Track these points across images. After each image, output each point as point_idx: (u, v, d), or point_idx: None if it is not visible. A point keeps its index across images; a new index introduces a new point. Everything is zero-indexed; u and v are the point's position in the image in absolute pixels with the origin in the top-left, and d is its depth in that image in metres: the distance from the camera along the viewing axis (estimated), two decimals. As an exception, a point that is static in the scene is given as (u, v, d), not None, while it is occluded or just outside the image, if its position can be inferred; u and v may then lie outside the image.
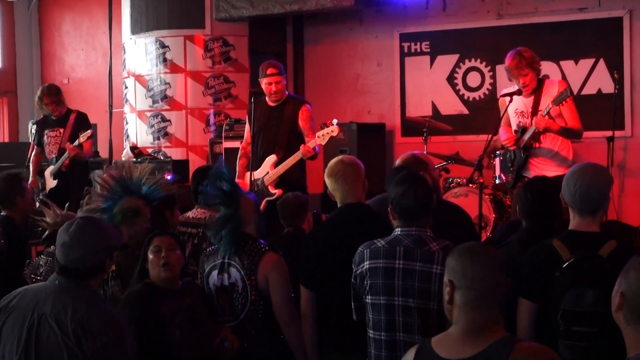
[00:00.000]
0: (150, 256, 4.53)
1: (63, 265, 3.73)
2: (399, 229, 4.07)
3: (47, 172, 9.35)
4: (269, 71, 7.73)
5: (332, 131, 7.38)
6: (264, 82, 7.76)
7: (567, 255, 3.77)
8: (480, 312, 2.90)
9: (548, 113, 6.85)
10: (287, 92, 7.88)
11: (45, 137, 9.35)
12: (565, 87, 6.91)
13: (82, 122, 9.47)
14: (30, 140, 9.92)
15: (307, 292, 4.63)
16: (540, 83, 7.11)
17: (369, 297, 4.07)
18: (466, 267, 2.94)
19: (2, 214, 6.39)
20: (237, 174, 7.76)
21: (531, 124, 7.00)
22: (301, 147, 7.45)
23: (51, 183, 9.29)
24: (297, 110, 7.68)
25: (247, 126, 8.01)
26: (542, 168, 6.97)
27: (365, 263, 4.08)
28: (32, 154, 9.51)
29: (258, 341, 4.70)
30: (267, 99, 7.82)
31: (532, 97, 7.10)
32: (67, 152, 9.06)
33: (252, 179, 7.69)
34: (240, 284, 4.68)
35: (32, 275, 5.36)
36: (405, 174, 4.28)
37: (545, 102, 6.94)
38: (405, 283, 3.96)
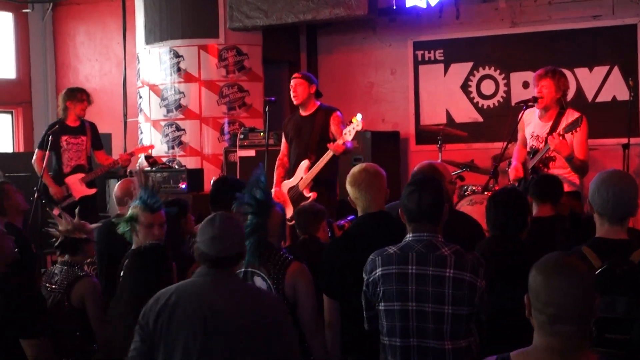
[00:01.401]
0: None
1: (214, 256, 3.88)
2: (410, 235, 4.08)
3: (76, 179, 9.27)
4: (294, 75, 8.11)
5: (357, 125, 7.56)
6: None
7: (598, 262, 3.76)
8: (556, 338, 2.69)
9: (563, 136, 6.90)
10: (318, 103, 8.04)
11: (65, 142, 9.29)
12: (580, 117, 6.98)
13: (96, 130, 9.64)
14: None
15: (330, 302, 4.64)
16: (562, 111, 7.20)
17: (382, 304, 4.07)
18: (540, 288, 2.71)
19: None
20: (274, 182, 8.06)
21: (545, 144, 7.09)
22: (329, 145, 7.62)
23: (84, 190, 9.25)
24: (328, 117, 7.91)
25: (283, 139, 8.28)
26: None
27: (378, 270, 4.07)
28: (41, 157, 9.24)
29: None
30: (300, 110, 8.07)
31: (550, 123, 7.18)
32: (118, 162, 9.40)
33: (289, 186, 7.98)
34: None
35: (47, 284, 5.38)
36: (417, 178, 4.29)
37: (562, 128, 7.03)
38: (419, 288, 3.96)
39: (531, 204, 5.70)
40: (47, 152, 9.18)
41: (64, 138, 9.27)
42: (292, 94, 8.03)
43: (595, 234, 4.06)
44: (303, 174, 7.82)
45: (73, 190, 9.21)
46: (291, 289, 4.64)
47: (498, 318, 4.22)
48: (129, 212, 5.20)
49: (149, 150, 10.21)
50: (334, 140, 7.69)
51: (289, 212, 7.48)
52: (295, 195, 7.88)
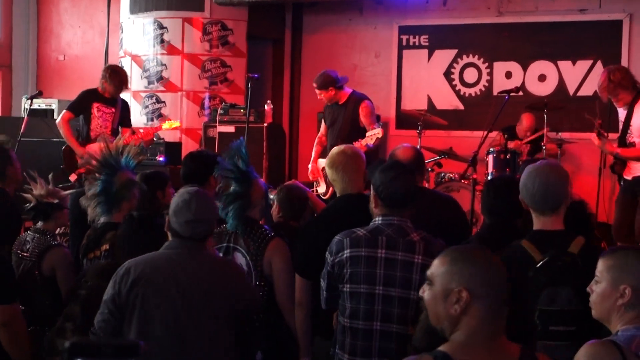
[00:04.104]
0: None
1: (188, 237, 4.00)
2: (380, 218, 4.07)
3: (97, 148, 9.06)
4: (314, 85, 8.56)
5: (378, 134, 7.97)
6: None
7: (538, 255, 3.74)
8: (500, 321, 2.71)
9: (601, 134, 7.27)
10: (349, 91, 8.52)
11: (96, 110, 9.04)
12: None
13: (127, 108, 9.45)
14: (23, 115, 9.78)
15: (302, 281, 4.61)
16: (638, 96, 7.29)
17: (348, 286, 4.06)
18: (490, 273, 2.71)
19: None
20: (312, 158, 8.70)
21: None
22: (354, 144, 7.86)
23: None
24: (357, 107, 8.34)
25: (323, 121, 8.80)
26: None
27: (346, 251, 4.05)
28: (68, 119, 9.01)
29: (260, 326, 4.69)
30: None
31: (627, 110, 7.32)
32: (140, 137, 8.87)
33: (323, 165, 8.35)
34: (245, 269, 4.67)
35: (19, 252, 5.34)
36: (394, 162, 4.29)
37: (637, 116, 7.20)
38: (387, 272, 3.96)
39: None
40: (70, 112, 9.07)
41: (95, 105, 9.06)
42: (321, 100, 8.57)
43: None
44: None
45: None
46: (268, 265, 4.66)
47: None
48: (118, 181, 5.12)
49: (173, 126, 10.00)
50: (364, 129, 8.12)
51: (322, 188, 8.44)
52: (324, 174, 8.19)
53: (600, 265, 3.06)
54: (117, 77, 9.05)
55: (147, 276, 3.89)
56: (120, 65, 9.55)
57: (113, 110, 9.14)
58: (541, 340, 3.68)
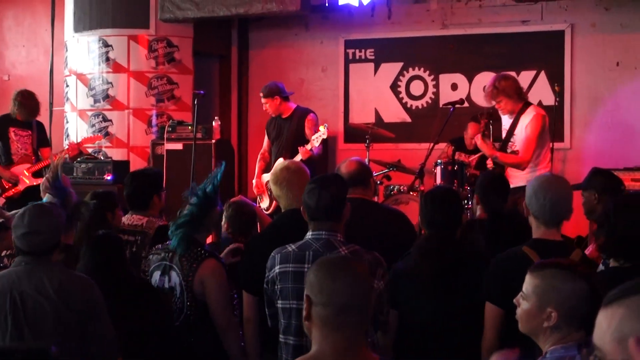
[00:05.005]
0: None
1: (27, 250, 3.99)
2: (310, 233, 4.10)
3: (21, 170, 9.32)
4: (261, 94, 9.00)
5: (322, 134, 8.34)
6: None
7: None
8: (341, 332, 2.70)
9: (485, 135, 7.38)
10: (293, 106, 8.93)
11: (13, 134, 9.44)
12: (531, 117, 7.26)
13: (43, 128, 9.92)
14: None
15: (249, 297, 4.62)
16: (524, 107, 7.42)
17: (280, 302, 4.09)
18: (325, 281, 2.74)
19: None
20: (255, 173, 9.13)
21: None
22: (299, 148, 8.37)
23: (30, 181, 9.33)
24: (302, 120, 8.74)
25: (265, 137, 9.21)
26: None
27: (276, 268, 4.09)
28: None
29: (195, 346, 4.67)
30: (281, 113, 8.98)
31: (512, 120, 7.43)
32: (67, 152, 9.38)
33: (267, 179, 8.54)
34: (179, 289, 4.66)
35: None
36: (319, 176, 4.33)
37: (521, 126, 7.29)
38: None
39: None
40: None
41: (11, 129, 9.50)
42: (266, 110, 8.98)
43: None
44: None
45: (20, 180, 9.29)
46: (200, 285, 4.63)
47: (436, 317, 4.27)
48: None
49: (96, 142, 10.17)
50: (309, 141, 8.40)
51: (265, 202, 8.78)
52: (268, 188, 8.41)
53: (528, 281, 3.03)
54: (28, 104, 9.40)
55: None
56: (30, 91, 9.68)
57: (29, 132, 9.51)
58: None
